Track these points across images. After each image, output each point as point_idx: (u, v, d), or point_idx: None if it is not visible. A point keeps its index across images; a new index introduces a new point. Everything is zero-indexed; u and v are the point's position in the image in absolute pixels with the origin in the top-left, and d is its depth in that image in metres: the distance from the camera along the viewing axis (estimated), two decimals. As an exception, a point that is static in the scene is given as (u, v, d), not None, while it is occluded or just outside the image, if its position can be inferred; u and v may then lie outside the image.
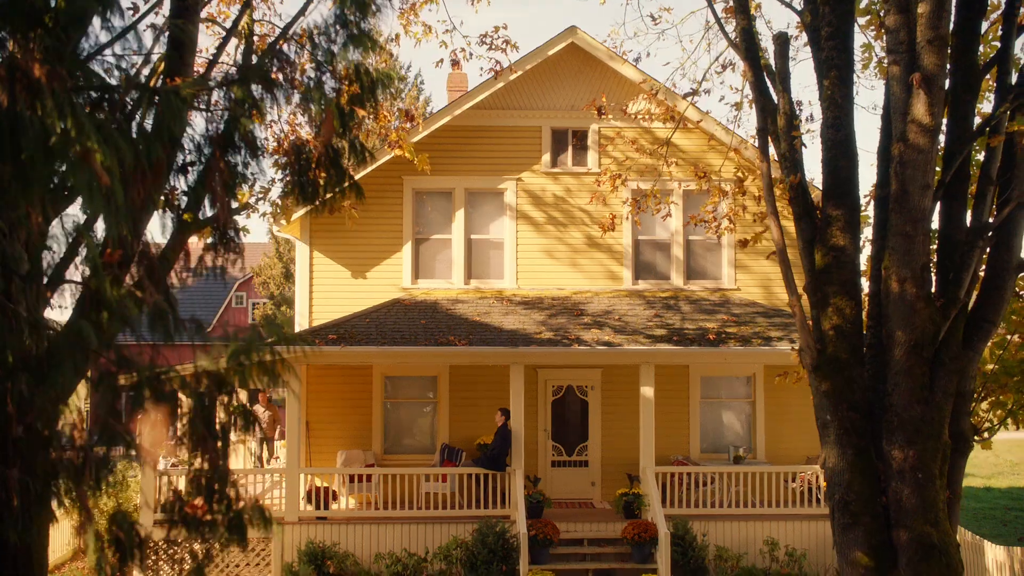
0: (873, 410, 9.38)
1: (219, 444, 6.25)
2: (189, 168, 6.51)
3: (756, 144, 10.41)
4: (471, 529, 16.14)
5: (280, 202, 13.48)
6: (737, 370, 19.67)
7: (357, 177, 18.82)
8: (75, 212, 6.69)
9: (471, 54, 15.36)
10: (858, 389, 9.32)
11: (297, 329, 18.88)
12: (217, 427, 6.36)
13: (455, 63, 15.41)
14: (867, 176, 57.44)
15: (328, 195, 7.04)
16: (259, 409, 21.48)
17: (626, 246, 19.85)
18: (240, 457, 20.76)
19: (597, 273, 19.83)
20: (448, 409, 19.30)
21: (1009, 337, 10.68)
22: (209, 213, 6.88)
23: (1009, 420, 10.63)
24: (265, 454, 21.21)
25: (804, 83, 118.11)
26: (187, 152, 6.31)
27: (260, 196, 13.53)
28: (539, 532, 15.71)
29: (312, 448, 19.02)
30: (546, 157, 19.89)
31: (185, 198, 7.75)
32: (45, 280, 6.66)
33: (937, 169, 9.29)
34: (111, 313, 5.39)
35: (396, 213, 19.64)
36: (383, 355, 16.69)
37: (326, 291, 19.40)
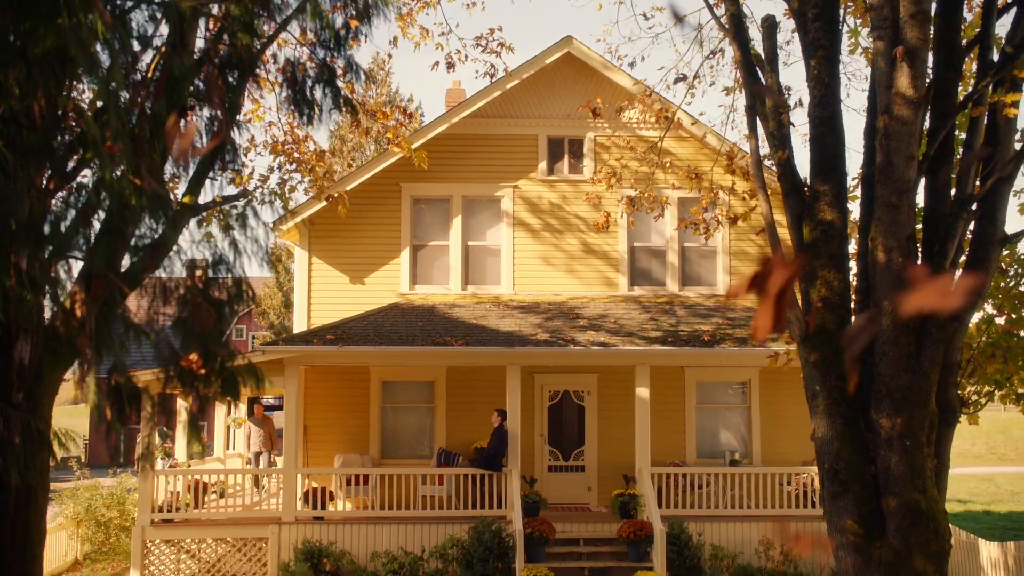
0: (862, 381, 9.52)
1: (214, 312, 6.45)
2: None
3: (746, 131, 10.65)
4: (467, 529, 16.19)
5: (279, 189, 13.67)
6: (733, 375, 19.79)
7: (354, 184, 19.12)
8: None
9: (467, 56, 15.57)
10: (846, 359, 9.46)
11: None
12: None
13: (450, 65, 15.63)
14: (853, 165, 58.10)
15: (325, 110, 7.23)
16: (253, 427, 21.53)
17: (622, 252, 20.06)
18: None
19: (593, 279, 20.01)
20: (445, 414, 19.39)
21: (995, 313, 10.84)
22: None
23: (996, 395, 10.77)
24: (262, 463, 21.25)
25: (793, 81, 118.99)
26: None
27: (259, 184, 13.73)
28: (535, 530, 15.76)
29: (310, 452, 19.09)
30: (542, 165, 20.15)
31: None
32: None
33: (922, 153, 9.51)
34: (111, 197, 5.58)
35: (394, 220, 19.85)
36: (380, 355, 16.82)
37: (324, 296, 19.57)
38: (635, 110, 19.38)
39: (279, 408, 36.77)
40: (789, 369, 18.99)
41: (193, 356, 6.92)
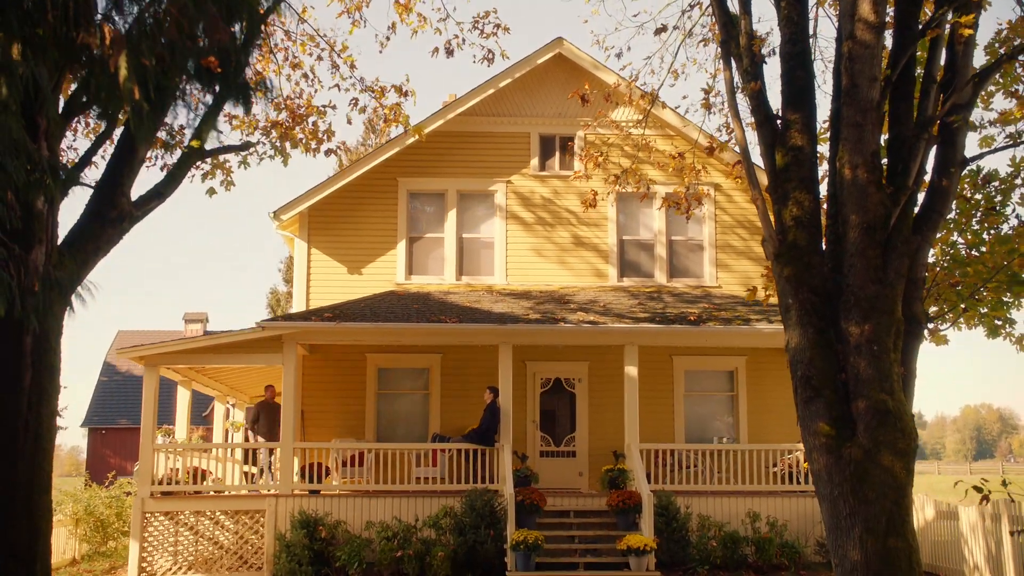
0: (832, 297, 10.07)
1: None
2: None
3: (721, 63, 11.31)
4: (460, 501, 16.54)
5: (280, 146, 14.30)
6: (720, 364, 20.29)
7: (352, 178, 19.85)
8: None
9: (464, 40, 16.29)
10: (817, 275, 10.02)
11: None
12: None
13: (449, 52, 16.33)
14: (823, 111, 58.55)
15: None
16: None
17: (611, 245, 20.68)
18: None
19: (584, 270, 20.62)
20: (439, 400, 19.86)
21: (957, 237, 11.45)
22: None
23: (962, 316, 11.29)
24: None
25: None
26: None
27: (263, 134, 14.36)
28: (526, 498, 16.13)
29: (307, 437, 19.47)
30: (534, 161, 20.86)
31: None
32: None
33: (885, 77, 10.16)
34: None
35: (391, 212, 20.52)
36: (376, 332, 17.29)
37: (322, 285, 20.15)
38: (624, 109, 20.10)
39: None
40: (775, 358, 19.55)
41: (212, 59, 7.53)
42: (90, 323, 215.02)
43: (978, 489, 9.28)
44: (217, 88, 9.87)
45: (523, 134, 20.99)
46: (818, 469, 9.78)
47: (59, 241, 9.80)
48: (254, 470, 18.82)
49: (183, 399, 20.61)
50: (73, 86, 10.42)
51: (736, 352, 20.05)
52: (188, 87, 9.71)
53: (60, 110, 10.16)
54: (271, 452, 21.64)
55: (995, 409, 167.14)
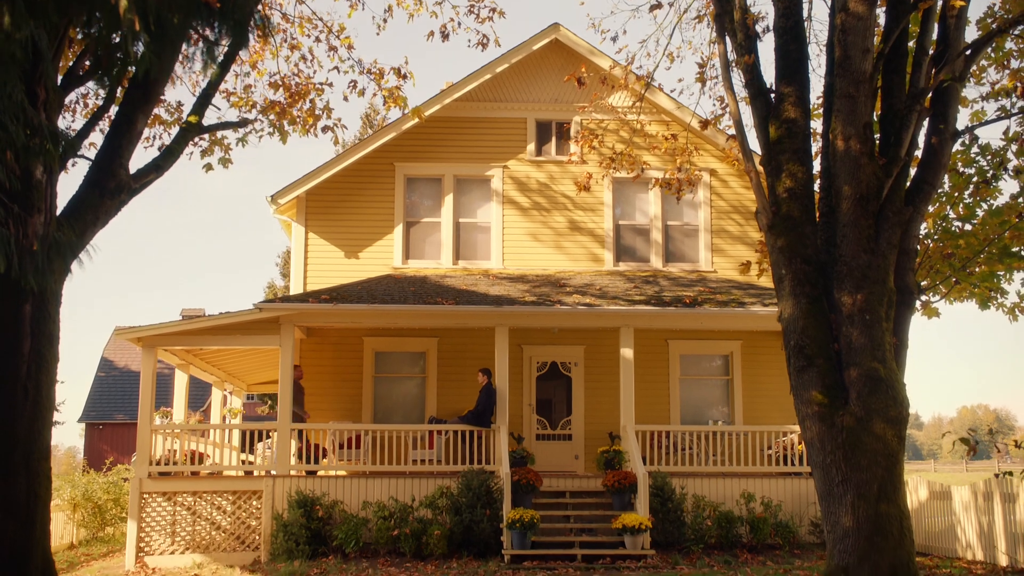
0: (825, 268, 10.16)
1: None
2: None
3: (715, 31, 11.41)
4: (457, 482, 16.61)
5: (278, 123, 14.39)
6: (715, 348, 20.38)
7: (349, 162, 19.94)
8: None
9: (459, 24, 16.39)
10: (810, 245, 10.13)
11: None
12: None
13: (445, 35, 16.43)
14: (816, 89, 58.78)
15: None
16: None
17: (607, 230, 20.78)
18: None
19: (580, 255, 20.71)
20: (436, 384, 19.95)
21: (949, 211, 11.55)
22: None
23: (953, 287, 11.40)
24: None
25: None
26: None
27: (261, 113, 14.44)
28: (522, 478, 16.21)
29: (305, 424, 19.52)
30: (531, 147, 20.95)
31: None
32: None
33: (879, 52, 10.24)
34: None
35: (388, 197, 20.61)
36: (373, 314, 17.35)
37: (320, 269, 20.23)
38: (620, 94, 20.16)
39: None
40: (769, 342, 19.65)
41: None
42: (87, 322, 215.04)
43: (964, 441, 9.38)
44: (216, 23, 9.79)
45: (519, 119, 21.08)
46: (811, 437, 9.89)
47: (58, 212, 9.88)
48: (251, 458, 18.92)
49: (180, 384, 20.66)
50: (71, 62, 10.49)
51: (731, 336, 20.15)
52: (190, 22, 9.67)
53: (58, 83, 10.23)
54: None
55: (992, 410, 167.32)
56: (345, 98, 15.33)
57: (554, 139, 21.14)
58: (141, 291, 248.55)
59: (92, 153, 11.26)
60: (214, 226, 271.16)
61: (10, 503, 9.16)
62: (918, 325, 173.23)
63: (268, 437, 21.56)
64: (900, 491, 9.48)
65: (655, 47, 20.64)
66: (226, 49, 10.78)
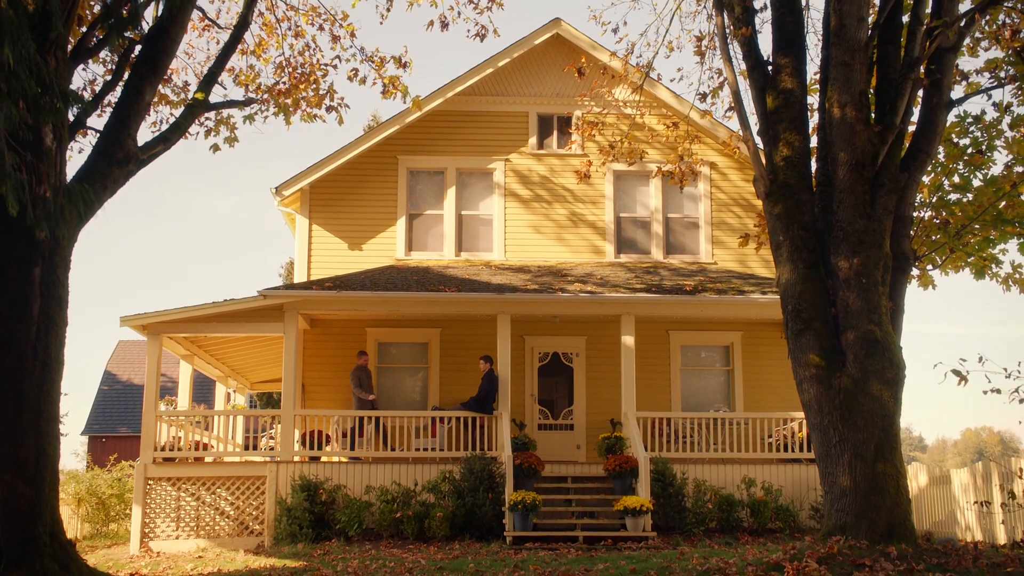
0: (822, 235, 10.32)
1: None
2: None
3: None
4: (459, 467, 16.73)
5: (283, 103, 14.60)
6: (716, 339, 20.51)
7: (353, 155, 20.14)
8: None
9: (459, 13, 16.60)
10: (807, 211, 10.29)
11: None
12: None
13: (444, 25, 16.63)
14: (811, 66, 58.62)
15: None
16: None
17: (608, 222, 20.96)
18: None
19: (581, 247, 20.89)
20: (438, 374, 20.08)
21: (944, 182, 11.72)
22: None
23: (950, 256, 11.55)
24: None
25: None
26: None
27: (266, 93, 14.65)
28: (524, 462, 16.32)
29: (308, 410, 19.66)
30: (532, 140, 21.16)
31: None
32: None
33: (874, 22, 10.42)
34: None
35: (391, 190, 20.81)
36: (376, 300, 17.51)
37: (323, 261, 20.40)
38: (621, 88, 20.36)
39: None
40: (770, 332, 19.79)
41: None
42: (90, 336, 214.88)
43: (956, 373, 9.52)
44: None
45: (521, 113, 21.30)
46: (808, 399, 10.02)
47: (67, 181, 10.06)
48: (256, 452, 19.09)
49: (185, 374, 20.80)
50: (83, 29, 10.68)
51: (732, 327, 20.28)
52: None
53: (68, 55, 10.42)
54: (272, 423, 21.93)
55: (996, 432, 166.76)
56: (349, 78, 15.49)
57: (555, 133, 21.35)
58: (144, 305, 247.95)
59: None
60: (219, 229, 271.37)
61: (20, 463, 9.30)
62: (920, 348, 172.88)
63: (271, 428, 21.71)
64: (897, 451, 9.61)
65: (655, 36, 20.88)
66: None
